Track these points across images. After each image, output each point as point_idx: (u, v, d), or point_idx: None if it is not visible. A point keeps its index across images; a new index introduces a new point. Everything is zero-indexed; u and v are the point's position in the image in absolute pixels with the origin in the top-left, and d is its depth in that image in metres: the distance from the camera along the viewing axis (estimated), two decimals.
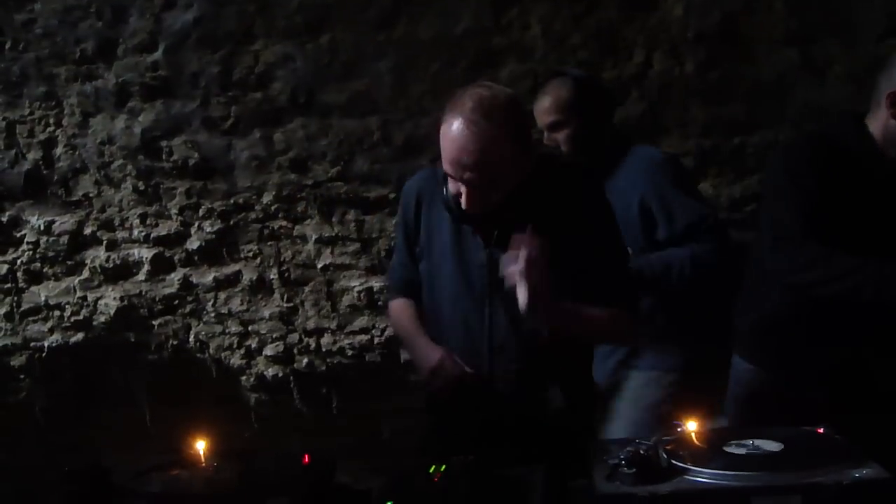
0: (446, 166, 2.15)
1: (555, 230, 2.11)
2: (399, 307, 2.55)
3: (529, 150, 2.20)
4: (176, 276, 4.15)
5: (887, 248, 2.46)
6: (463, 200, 2.16)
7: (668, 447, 1.86)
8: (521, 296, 2.03)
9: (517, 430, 2.25)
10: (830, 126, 2.62)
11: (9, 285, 4.27)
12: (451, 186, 2.21)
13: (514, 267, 2.03)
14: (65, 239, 4.20)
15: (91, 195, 4.16)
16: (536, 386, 2.29)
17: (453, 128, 2.10)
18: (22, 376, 4.30)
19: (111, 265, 4.18)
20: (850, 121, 2.57)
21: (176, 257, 4.14)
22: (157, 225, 4.13)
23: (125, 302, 4.18)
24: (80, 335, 4.25)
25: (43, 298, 4.25)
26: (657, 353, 2.93)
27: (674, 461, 1.80)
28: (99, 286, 4.21)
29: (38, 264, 4.24)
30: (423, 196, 2.40)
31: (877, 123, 2.50)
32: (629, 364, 2.96)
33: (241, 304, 4.12)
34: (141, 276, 4.16)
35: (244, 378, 4.16)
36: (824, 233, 2.41)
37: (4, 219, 4.22)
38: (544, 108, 2.97)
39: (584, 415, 2.39)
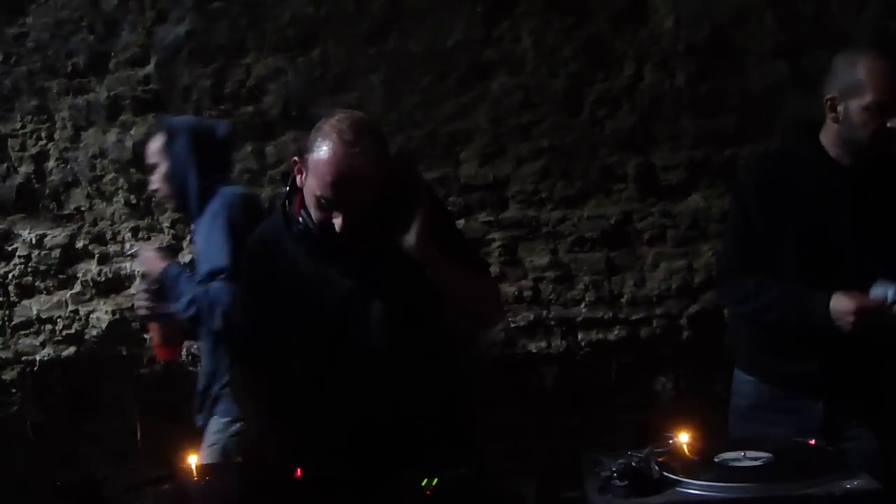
0: (326, 191, 2.12)
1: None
2: (243, 381, 2.57)
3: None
4: None
5: (845, 256, 2.48)
6: (337, 224, 2.15)
7: (659, 459, 1.86)
8: (412, 234, 2.14)
9: (397, 438, 2.28)
10: (786, 140, 2.68)
11: (0, 299, 4.26)
12: (317, 215, 2.19)
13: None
14: (56, 252, 4.19)
15: (83, 209, 4.15)
16: (414, 395, 2.33)
17: (333, 151, 2.10)
18: (13, 390, 4.28)
19: (103, 279, 4.17)
20: (802, 132, 2.62)
21: None
22: (148, 238, 4.13)
23: (117, 315, 4.17)
24: (71, 349, 4.23)
25: (35, 312, 4.24)
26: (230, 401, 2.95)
27: (665, 473, 1.81)
28: (91, 300, 4.20)
29: (30, 278, 4.23)
30: (269, 246, 2.38)
31: (826, 131, 2.54)
32: (212, 410, 3.09)
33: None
34: (133, 290, 4.15)
35: None
36: (768, 256, 2.55)
37: None
38: (147, 151, 3.19)
39: (461, 420, 2.43)
